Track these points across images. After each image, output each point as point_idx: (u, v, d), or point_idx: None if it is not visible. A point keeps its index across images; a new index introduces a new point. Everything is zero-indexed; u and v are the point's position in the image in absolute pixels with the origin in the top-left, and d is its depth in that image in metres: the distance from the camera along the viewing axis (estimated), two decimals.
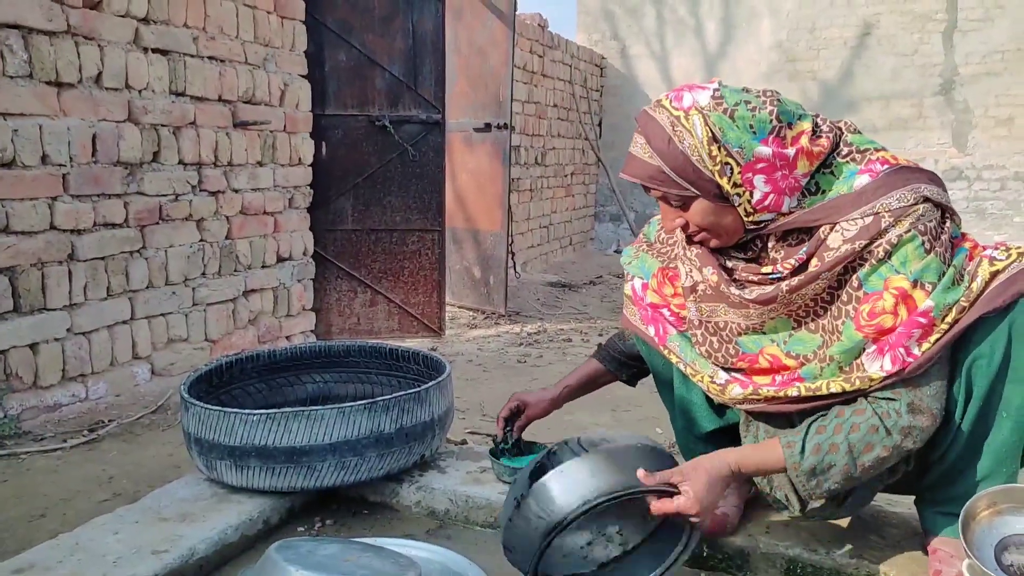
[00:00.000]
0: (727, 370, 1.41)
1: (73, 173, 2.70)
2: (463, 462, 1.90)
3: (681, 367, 1.47)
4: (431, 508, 1.76)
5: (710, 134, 1.22)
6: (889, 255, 1.22)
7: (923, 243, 1.22)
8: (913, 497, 1.47)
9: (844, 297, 1.27)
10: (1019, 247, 1.29)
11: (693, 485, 1.25)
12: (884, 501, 1.65)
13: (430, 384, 1.80)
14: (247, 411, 1.64)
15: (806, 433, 1.29)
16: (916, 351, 1.22)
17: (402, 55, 4.06)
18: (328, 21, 3.93)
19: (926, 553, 1.40)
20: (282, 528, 1.70)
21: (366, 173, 4.08)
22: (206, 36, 3.24)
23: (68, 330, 2.71)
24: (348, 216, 4.11)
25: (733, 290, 1.33)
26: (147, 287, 3.03)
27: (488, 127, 4.89)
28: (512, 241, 5.47)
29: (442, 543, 1.50)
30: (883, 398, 1.25)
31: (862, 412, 1.26)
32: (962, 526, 1.19)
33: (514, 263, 5.69)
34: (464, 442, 2.39)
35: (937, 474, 1.35)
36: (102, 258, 2.83)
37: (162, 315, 3.11)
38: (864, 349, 1.25)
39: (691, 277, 1.41)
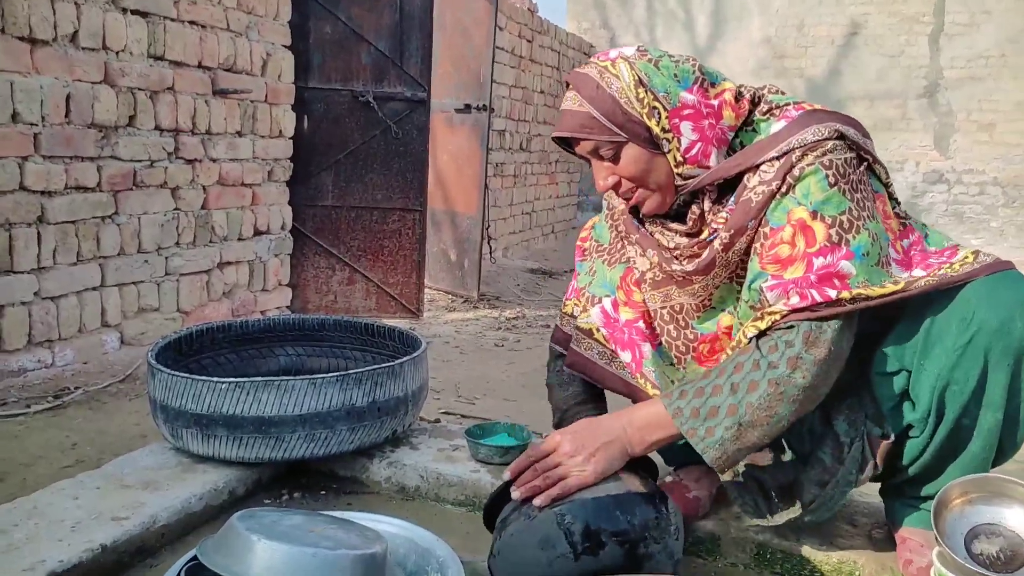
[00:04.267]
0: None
1: (45, 133, 2.63)
2: (436, 439, 1.87)
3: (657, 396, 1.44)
4: (401, 484, 1.73)
5: (636, 78, 1.23)
6: (792, 188, 1.21)
7: (826, 176, 1.20)
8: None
9: (757, 236, 1.25)
10: (969, 253, 1.25)
11: (567, 429, 1.29)
12: (857, 492, 1.64)
13: (404, 359, 1.77)
14: (215, 379, 1.60)
15: (690, 381, 1.28)
16: (831, 295, 1.18)
17: (389, 30, 4.00)
18: None
19: (895, 542, 1.40)
20: (248, 499, 1.67)
21: (348, 149, 4.03)
22: (187, 0, 3.16)
23: (35, 294, 2.65)
24: (328, 192, 4.05)
25: (675, 266, 1.31)
26: (119, 254, 2.96)
27: (468, 108, 4.83)
28: (488, 225, 5.43)
29: (411, 519, 1.47)
30: (781, 328, 1.20)
31: (747, 351, 1.23)
32: (934, 514, 1.19)
33: (491, 248, 5.66)
34: (438, 421, 2.37)
35: (906, 477, 1.35)
36: (73, 222, 2.76)
37: (133, 283, 3.05)
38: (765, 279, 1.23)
39: (638, 268, 1.39)
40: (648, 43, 8.75)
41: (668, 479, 1.58)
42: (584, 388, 1.53)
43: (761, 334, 1.23)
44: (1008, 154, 7.90)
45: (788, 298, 1.20)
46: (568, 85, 1.31)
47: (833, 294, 1.18)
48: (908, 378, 1.27)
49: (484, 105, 4.76)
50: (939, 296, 1.22)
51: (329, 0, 3.89)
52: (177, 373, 1.64)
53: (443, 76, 4.90)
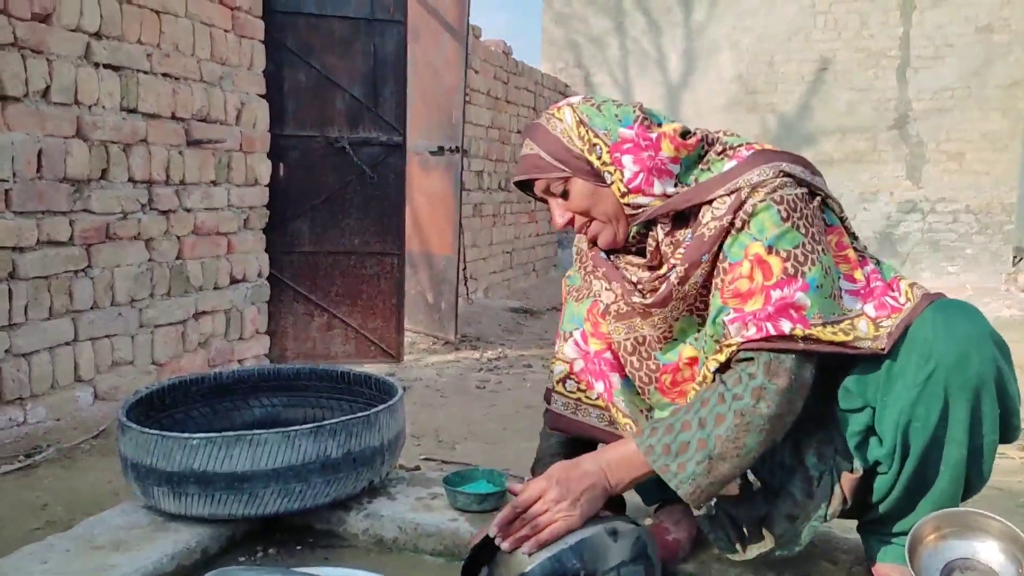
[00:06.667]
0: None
1: (16, 189, 2.61)
2: (413, 488, 1.85)
3: (629, 425, 1.46)
4: (379, 536, 1.70)
5: (578, 119, 1.34)
6: (746, 224, 1.25)
7: (779, 211, 1.24)
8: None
9: (717, 272, 1.29)
10: (909, 295, 1.28)
11: (549, 475, 1.31)
12: (838, 528, 1.63)
13: (380, 408, 1.75)
14: (185, 435, 1.58)
15: (660, 419, 1.31)
16: (785, 329, 1.21)
17: (363, 76, 4.04)
18: (288, 41, 3.90)
19: None
20: (222, 557, 1.63)
21: (325, 195, 4.04)
22: (160, 53, 3.18)
23: (7, 351, 2.61)
24: (305, 238, 4.05)
25: (635, 298, 1.36)
26: (92, 308, 2.93)
27: (441, 150, 4.87)
28: (465, 266, 5.43)
29: (388, 572, 1.45)
30: (742, 360, 1.23)
31: (712, 387, 1.26)
32: (909, 550, 1.19)
33: (467, 288, 5.64)
34: (418, 468, 2.34)
35: (878, 514, 1.35)
36: (45, 277, 2.74)
37: (107, 337, 3.01)
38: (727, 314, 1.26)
39: (603, 301, 1.44)
40: (622, 81, 8.89)
41: (648, 521, 1.56)
42: (560, 440, 1.58)
43: (723, 367, 1.26)
44: (978, 183, 8.05)
45: (746, 329, 1.23)
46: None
47: (787, 327, 1.21)
48: (873, 414, 1.28)
49: (456, 147, 4.80)
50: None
51: (303, 49, 3.94)
52: (147, 430, 1.61)
53: (416, 118, 4.93)
